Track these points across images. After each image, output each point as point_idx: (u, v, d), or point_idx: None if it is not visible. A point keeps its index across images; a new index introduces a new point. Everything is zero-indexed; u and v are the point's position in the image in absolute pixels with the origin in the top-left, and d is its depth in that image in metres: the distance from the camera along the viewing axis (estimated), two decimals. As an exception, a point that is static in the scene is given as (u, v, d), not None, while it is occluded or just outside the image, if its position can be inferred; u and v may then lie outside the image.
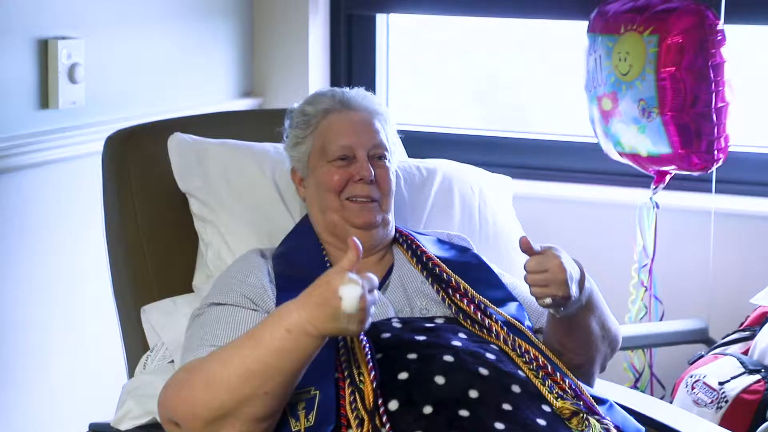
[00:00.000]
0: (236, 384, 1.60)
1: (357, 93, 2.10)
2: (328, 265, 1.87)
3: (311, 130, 1.97)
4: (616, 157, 2.57)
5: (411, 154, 2.45)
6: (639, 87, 2.46)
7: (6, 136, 2.27)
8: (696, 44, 2.44)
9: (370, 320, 1.55)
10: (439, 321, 1.83)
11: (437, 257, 1.94)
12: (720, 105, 2.41)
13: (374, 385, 1.60)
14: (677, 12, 2.44)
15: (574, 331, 1.88)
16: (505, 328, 1.79)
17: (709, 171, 2.50)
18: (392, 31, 3.25)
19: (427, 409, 1.57)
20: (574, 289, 1.74)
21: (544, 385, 1.70)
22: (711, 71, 2.43)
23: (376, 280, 1.61)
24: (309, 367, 1.62)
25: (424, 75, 3.38)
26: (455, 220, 2.28)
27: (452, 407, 1.61)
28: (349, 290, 1.55)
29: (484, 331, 1.81)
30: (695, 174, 2.53)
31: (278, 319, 1.60)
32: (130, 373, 2.05)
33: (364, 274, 1.51)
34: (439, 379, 1.62)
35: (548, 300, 1.72)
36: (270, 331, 1.61)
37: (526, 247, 1.76)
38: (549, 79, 2.98)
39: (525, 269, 1.75)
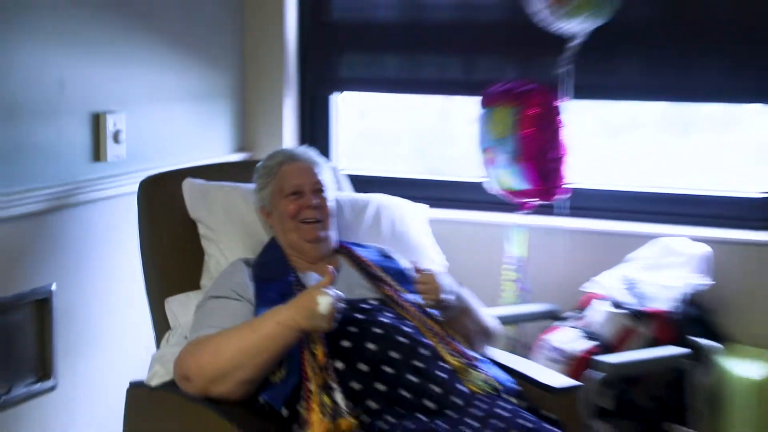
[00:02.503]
0: (234, 355, 1.86)
1: (302, 149, 2.38)
2: (291, 269, 2.17)
3: (272, 178, 2.24)
4: (498, 191, 2.78)
5: (357, 190, 2.72)
6: (507, 143, 2.63)
7: (70, 181, 2.43)
8: (544, 114, 2.62)
9: (335, 323, 1.84)
10: (373, 302, 2.08)
11: (370, 261, 2.21)
12: (561, 156, 2.61)
13: (324, 351, 1.89)
14: (531, 93, 2.64)
15: (456, 326, 2.15)
16: (418, 310, 2.05)
17: (556, 201, 2.73)
18: (353, 99, 3.38)
19: (363, 367, 1.89)
20: (446, 299, 2.08)
21: (444, 350, 2.00)
22: (554, 133, 2.62)
23: (343, 295, 1.88)
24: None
25: (373, 133, 3.49)
26: (384, 236, 2.51)
27: (379, 365, 1.91)
28: (324, 299, 1.82)
29: (403, 311, 2.07)
30: (551, 202, 2.73)
31: (271, 315, 1.86)
32: (158, 346, 2.27)
33: (335, 292, 1.81)
34: (371, 346, 1.94)
35: (430, 302, 2.07)
36: (265, 323, 1.87)
37: (416, 269, 2.10)
38: (462, 136, 3.07)
39: (415, 283, 2.12)
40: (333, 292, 1.84)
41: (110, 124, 2.48)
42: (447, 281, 2.14)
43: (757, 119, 2.84)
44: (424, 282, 2.09)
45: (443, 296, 2.08)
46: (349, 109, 3.32)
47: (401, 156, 3.38)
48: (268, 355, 1.88)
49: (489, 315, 2.29)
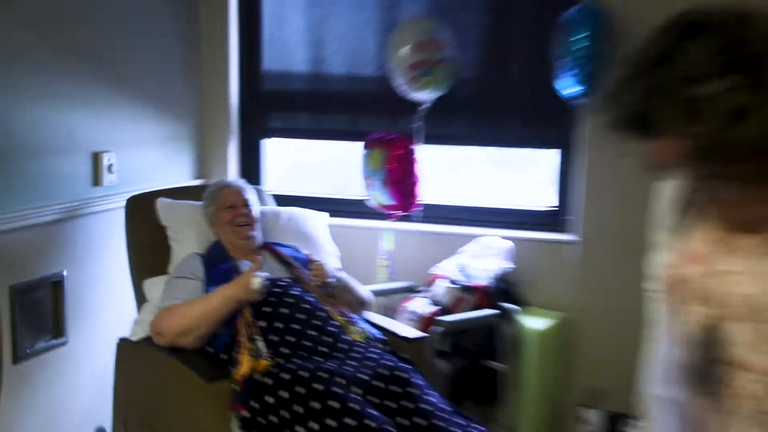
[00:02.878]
0: (195, 318, 2.21)
1: (234, 179, 2.79)
2: (230, 258, 2.47)
3: (214, 199, 2.60)
4: (375, 206, 3.06)
5: (280, 204, 3.07)
6: (379, 174, 2.94)
7: (77, 199, 2.68)
8: (404, 155, 2.93)
9: (262, 295, 2.18)
10: (286, 281, 2.39)
11: (285, 253, 2.55)
12: (415, 182, 2.95)
13: (251, 313, 2.22)
14: (396, 140, 2.96)
15: (339, 297, 2.50)
16: (317, 287, 2.42)
17: (413, 212, 3.05)
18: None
19: (278, 325, 2.22)
20: (329, 280, 2.46)
21: (334, 312, 2.35)
22: (411, 167, 2.93)
23: (267, 275, 2.25)
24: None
25: (298, 164, 3.69)
26: (295, 237, 2.83)
27: (290, 323, 2.23)
28: (255, 279, 2.19)
29: (307, 287, 2.40)
30: (409, 213, 3.07)
31: (219, 291, 2.22)
32: (138, 313, 2.59)
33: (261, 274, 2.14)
34: (284, 310, 2.26)
35: (318, 282, 2.45)
36: (215, 296, 2.22)
37: (310, 260, 2.51)
38: (355, 168, 3.18)
39: (309, 269, 2.47)
40: (261, 274, 2.22)
41: (105, 160, 2.72)
42: (330, 268, 2.52)
43: (548, 158, 3.13)
44: (315, 269, 2.49)
45: (327, 278, 2.48)
46: (282, 148, 3.53)
47: (315, 180, 3.59)
48: (217, 318, 2.22)
49: (365, 290, 2.63)
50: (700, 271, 1.20)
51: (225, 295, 2.19)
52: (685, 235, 1.24)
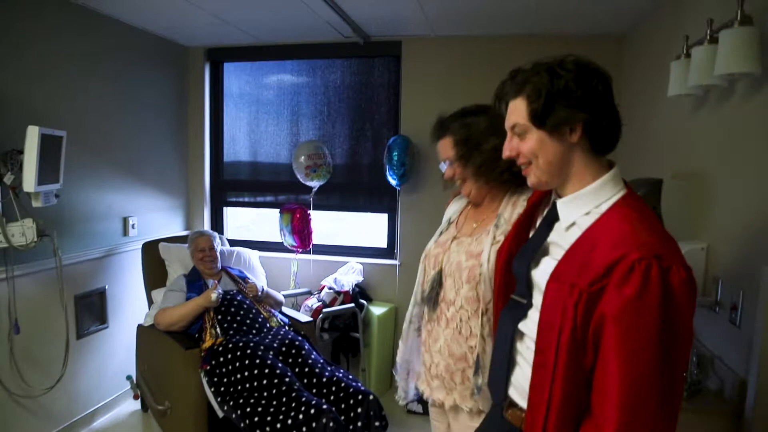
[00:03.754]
0: (177, 317, 2.33)
1: (207, 231, 2.79)
2: (202, 278, 2.52)
3: (192, 242, 2.68)
4: (288, 245, 3.14)
5: (231, 245, 3.25)
6: (287, 228, 3.10)
7: (113, 244, 2.83)
8: (301, 216, 3.03)
9: (220, 301, 2.25)
10: (234, 292, 2.51)
11: (235, 274, 2.68)
12: (309, 232, 3.14)
13: (212, 312, 2.33)
14: (297, 209, 3.06)
15: (265, 301, 2.59)
16: (256, 293, 2.56)
17: (308, 249, 3.15)
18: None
19: (228, 317, 2.34)
20: (258, 294, 2.53)
21: (262, 309, 2.50)
22: (307, 223, 3.07)
23: (221, 290, 2.28)
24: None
25: (246, 221, 3.68)
26: (240, 264, 3.03)
27: (235, 316, 2.37)
28: (213, 294, 2.29)
29: (247, 295, 2.53)
30: (307, 249, 3.17)
31: (193, 301, 2.32)
32: (148, 309, 2.79)
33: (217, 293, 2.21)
34: (233, 310, 2.40)
35: (251, 295, 2.45)
36: (190, 305, 2.32)
37: (245, 281, 2.54)
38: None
39: (245, 287, 2.49)
40: (218, 290, 2.36)
41: (130, 222, 2.95)
42: (259, 285, 2.66)
43: (382, 219, 3.18)
44: (249, 287, 2.63)
45: (258, 293, 2.60)
46: (234, 212, 3.60)
47: (253, 230, 3.65)
48: (191, 317, 2.37)
49: (280, 295, 2.77)
50: (439, 250, 1.46)
51: (196, 303, 2.37)
52: (443, 232, 1.50)
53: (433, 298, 1.39)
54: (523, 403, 1.08)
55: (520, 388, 1.10)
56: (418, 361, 1.49)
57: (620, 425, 0.88)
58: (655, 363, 0.88)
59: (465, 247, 1.38)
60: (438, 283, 1.38)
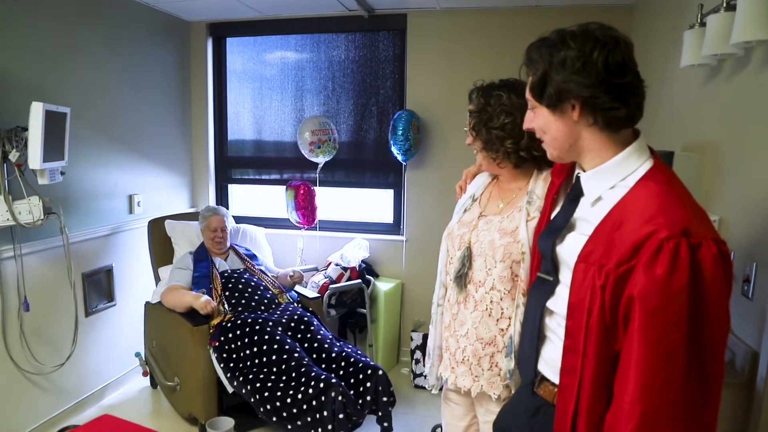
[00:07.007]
0: (175, 303, 2.35)
1: (218, 208, 2.75)
2: (209, 255, 2.52)
3: (204, 219, 2.67)
4: (293, 222, 3.13)
5: (238, 222, 3.22)
6: (293, 203, 3.10)
7: (120, 221, 2.83)
8: (306, 192, 3.10)
9: (210, 302, 2.16)
10: (242, 269, 2.54)
11: (242, 252, 2.69)
12: (314, 208, 3.11)
13: (221, 287, 2.36)
14: (301, 185, 3.11)
15: (293, 279, 2.66)
16: (262, 273, 2.56)
17: (313, 225, 3.15)
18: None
19: (236, 294, 2.37)
20: (299, 278, 2.62)
21: (270, 285, 2.49)
22: (311, 199, 3.09)
23: (208, 298, 2.18)
24: (206, 286, 2.28)
25: (252, 196, 3.55)
26: (247, 242, 3.03)
27: (243, 293, 2.40)
28: (204, 298, 2.25)
29: (254, 272, 2.55)
30: (312, 226, 3.15)
31: (190, 295, 2.29)
32: (156, 286, 2.78)
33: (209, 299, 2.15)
34: (240, 285, 2.41)
35: (297, 280, 2.59)
36: (187, 297, 2.30)
37: (294, 271, 2.62)
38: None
39: (293, 274, 2.55)
40: (204, 297, 2.33)
41: (136, 199, 2.95)
42: (298, 271, 2.77)
43: (388, 194, 3.13)
44: (295, 278, 2.72)
45: (301, 280, 2.73)
46: (239, 189, 3.58)
47: (258, 208, 3.54)
48: (186, 307, 2.37)
49: (300, 270, 2.84)
50: (465, 230, 1.42)
51: (190, 299, 2.40)
52: (467, 210, 1.45)
53: (462, 278, 1.36)
54: (555, 378, 1.06)
55: (551, 362, 1.08)
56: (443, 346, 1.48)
57: (640, 410, 0.85)
58: (681, 346, 0.84)
59: (496, 225, 1.35)
60: (467, 263, 1.35)
